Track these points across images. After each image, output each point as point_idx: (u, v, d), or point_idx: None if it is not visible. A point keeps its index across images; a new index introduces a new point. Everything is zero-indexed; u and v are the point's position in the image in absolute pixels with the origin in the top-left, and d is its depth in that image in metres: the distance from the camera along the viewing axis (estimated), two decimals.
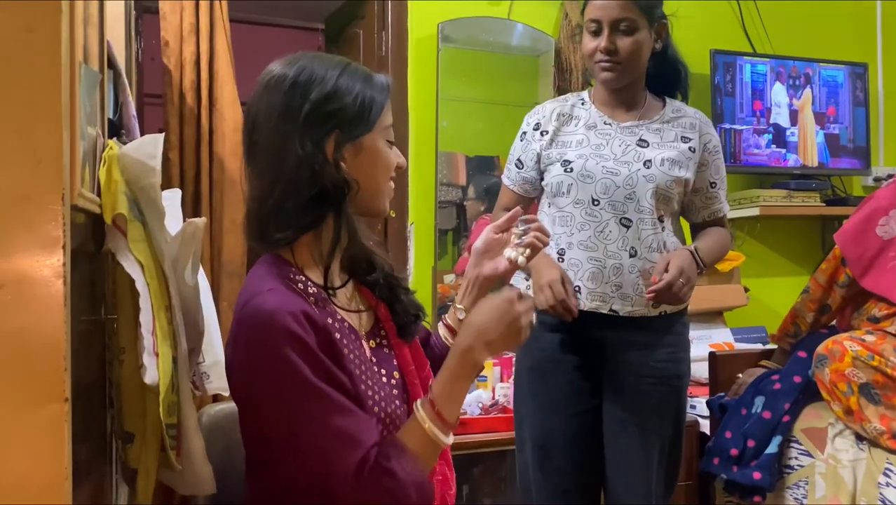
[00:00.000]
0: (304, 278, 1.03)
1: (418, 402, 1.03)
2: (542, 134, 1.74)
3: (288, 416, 0.96)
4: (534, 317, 1.07)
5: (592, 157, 1.67)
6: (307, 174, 0.99)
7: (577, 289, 1.65)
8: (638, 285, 1.64)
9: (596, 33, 1.66)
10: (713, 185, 1.77)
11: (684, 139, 1.72)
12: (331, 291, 1.04)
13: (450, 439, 1.03)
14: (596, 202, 1.65)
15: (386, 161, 1.08)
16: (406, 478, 0.96)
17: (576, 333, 1.66)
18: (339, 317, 1.05)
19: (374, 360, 1.08)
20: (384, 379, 1.08)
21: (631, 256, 1.64)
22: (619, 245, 1.64)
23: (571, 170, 1.67)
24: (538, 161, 1.74)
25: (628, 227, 1.65)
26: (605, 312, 1.64)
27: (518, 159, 1.78)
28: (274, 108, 1.02)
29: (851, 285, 1.99)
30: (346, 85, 1.03)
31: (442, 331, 1.26)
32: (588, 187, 1.65)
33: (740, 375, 2.14)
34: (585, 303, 1.64)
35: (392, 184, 1.11)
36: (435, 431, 1.00)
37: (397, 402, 1.07)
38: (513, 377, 1.81)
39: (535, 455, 1.69)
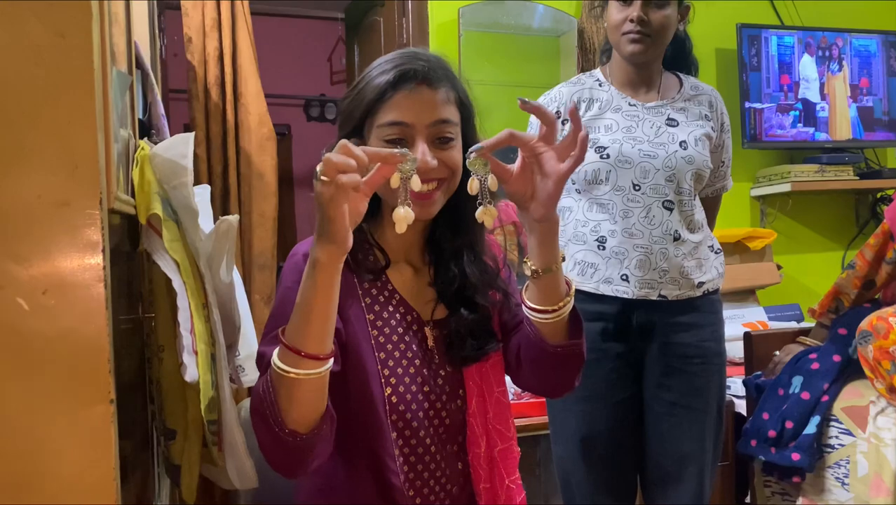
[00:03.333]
0: (369, 248, 1.08)
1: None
2: (563, 123, 1.70)
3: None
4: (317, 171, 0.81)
5: (626, 140, 1.64)
6: None
7: (624, 277, 1.63)
8: (683, 268, 1.64)
9: (626, 2, 1.62)
10: (723, 163, 1.79)
11: (706, 117, 1.72)
12: (376, 266, 1.07)
13: (306, 369, 0.87)
14: (637, 187, 1.63)
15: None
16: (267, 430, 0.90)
17: (619, 320, 1.65)
18: (389, 287, 1.08)
19: (436, 350, 1.09)
20: (429, 365, 1.08)
21: (675, 239, 1.63)
22: (663, 229, 1.63)
23: (608, 156, 1.63)
24: None
25: (671, 210, 1.63)
26: (654, 298, 1.63)
27: None
28: None
29: None
30: (356, 88, 1.05)
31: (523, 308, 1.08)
32: (627, 173, 1.63)
33: (777, 353, 2.11)
34: (634, 291, 1.62)
35: (420, 185, 0.96)
36: (281, 366, 0.87)
37: (426, 389, 1.07)
38: None
39: (577, 447, 1.67)
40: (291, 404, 0.89)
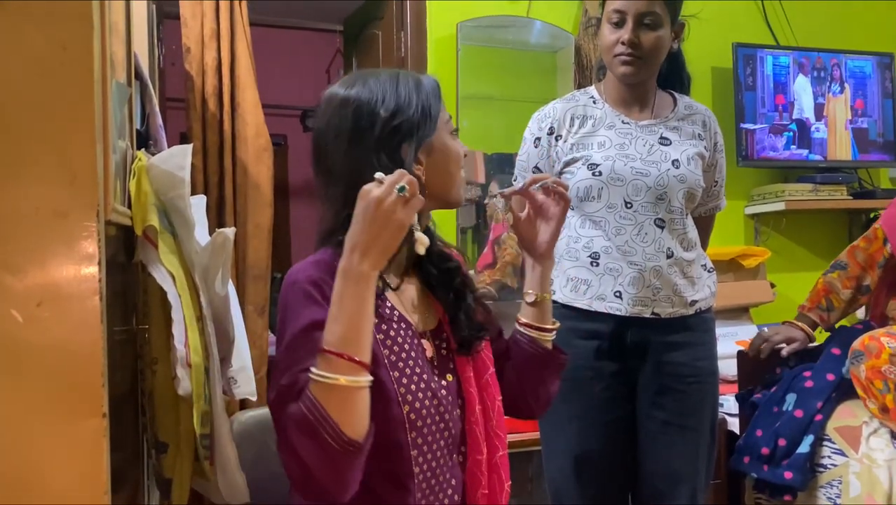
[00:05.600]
0: None
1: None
2: (556, 139, 1.70)
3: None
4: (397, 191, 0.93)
5: (619, 157, 1.64)
6: None
7: (617, 294, 1.63)
8: (676, 286, 1.64)
9: (618, 25, 1.62)
10: (716, 183, 1.79)
11: (699, 137, 1.72)
12: (380, 286, 1.07)
13: (364, 376, 0.92)
14: (629, 205, 1.63)
15: (455, 153, 1.14)
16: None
17: (613, 338, 1.65)
18: (388, 304, 1.09)
19: (435, 361, 1.12)
20: (434, 378, 1.09)
21: (668, 256, 1.63)
22: (655, 247, 1.63)
23: (600, 173, 1.63)
24: (558, 165, 1.70)
25: (662, 228, 1.63)
26: (647, 315, 1.63)
27: (536, 166, 1.72)
28: (343, 130, 1.07)
29: (889, 263, 1.97)
30: (405, 96, 1.09)
31: (520, 329, 1.27)
32: (619, 190, 1.63)
33: (765, 329, 2.14)
34: (627, 308, 1.62)
35: (463, 172, 1.15)
36: (327, 375, 0.90)
37: (436, 402, 1.07)
38: None
39: (569, 465, 1.66)
40: (348, 415, 0.90)
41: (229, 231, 1.16)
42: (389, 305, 1.10)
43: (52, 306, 0.78)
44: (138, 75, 1.33)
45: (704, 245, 1.81)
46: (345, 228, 1.01)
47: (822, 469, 1.88)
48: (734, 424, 2.22)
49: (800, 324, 2.09)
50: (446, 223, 2.68)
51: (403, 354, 1.07)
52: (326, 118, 1.09)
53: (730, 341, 2.63)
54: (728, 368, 2.33)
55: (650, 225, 1.63)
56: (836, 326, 2.10)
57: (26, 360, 0.77)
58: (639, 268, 1.62)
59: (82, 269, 0.78)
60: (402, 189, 0.91)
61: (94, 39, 0.78)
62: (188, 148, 1.13)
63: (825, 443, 1.89)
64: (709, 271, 1.74)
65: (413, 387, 1.05)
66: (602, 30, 1.67)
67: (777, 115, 3.01)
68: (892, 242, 1.94)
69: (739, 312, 2.82)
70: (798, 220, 3.12)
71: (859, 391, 1.81)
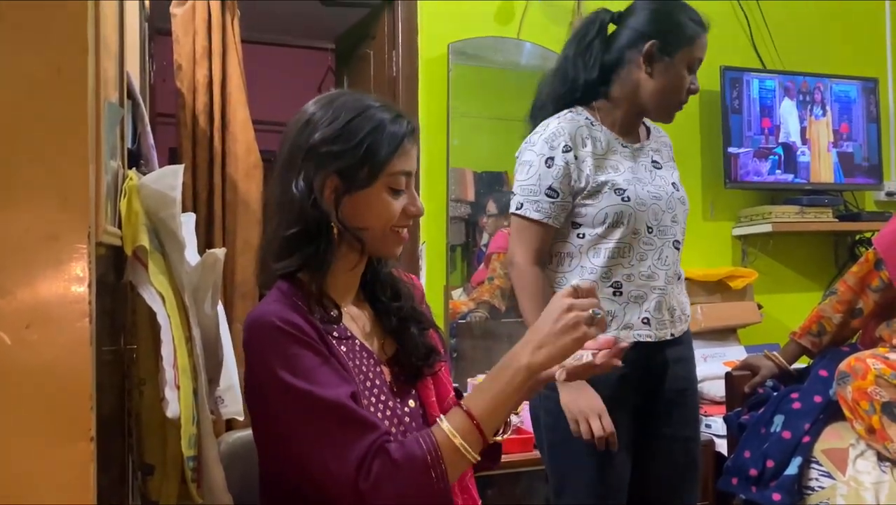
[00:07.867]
0: (307, 305, 1.04)
1: (452, 411, 0.97)
2: (575, 157, 1.59)
3: (277, 421, 0.98)
4: (593, 312, 0.94)
5: (635, 182, 1.60)
6: (295, 211, 1.01)
7: (645, 321, 1.59)
8: (683, 304, 1.67)
9: (692, 71, 1.63)
10: None
11: (672, 159, 1.76)
12: (335, 316, 1.05)
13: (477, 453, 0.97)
14: (650, 229, 1.60)
15: (383, 211, 1.05)
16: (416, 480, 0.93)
17: (639, 367, 1.57)
18: (348, 334, 1.07)
19: (395, 388, 1.10)
20: (398, 404, 1.08)
21: (678, 278, 1.67)
22: (671, 270, 1.63)
23: (628, 198, 1.57)
24: (580, 187, 1.59)
25: (678, 250, 1.65)
26: (667, 338, 1.62)
27: (550, 188, 1.57)
28: (286, 143, 1.05)
29: (886, 290, 1.98)
30: (356, 129, 1.02)
31: None
32: (643, 215, 1.59)
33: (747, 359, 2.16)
34: (655, 333, 1.59)
35: (404, 231, 1.08)
36: (466, 447, 0.94)
37: (402, 429, 1.06)
38: (548, 418, 1.65)
39: (593, 499, 1.57)
40: (455, 474, 0.96)
41: (220, 252, 1.15)
42: (349, 334, 1.07)
43: (41, 329, 0.77)
44: (130, 94, 1.33)
45: None
46: (275, 255, 1.03)
47: (809, 491, 1.88)
48: (722, 446, 2.23)
49: (774, 355, 2.11)
50: (436, 241, 2.69)
51: (368, 383, 1.05)
52: (286, 128, 1.07)
53: (717, 362, 2.63)
54: (716, 389, 2.34)
55: (669, 248, 1.63)
56: None
57: (14, 382, 0.76)
58: (661, 292, 1.60)
59: (72, 291, 0.78)
60: (595, 315, 0.94)
61: (89, 63, 0.78)
62: (180, 168, 1.13)
63: (812, 465, 1.89)
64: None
65: (379, 415, 1.04)
66: (679, 71, 1.60)
67: (763, 139, 3.03)
68: (888, 262, 1.95)
69: (727, 333, 2.84)
70: (785, 241, 3.14)
71: (846, 412, 1.81)
